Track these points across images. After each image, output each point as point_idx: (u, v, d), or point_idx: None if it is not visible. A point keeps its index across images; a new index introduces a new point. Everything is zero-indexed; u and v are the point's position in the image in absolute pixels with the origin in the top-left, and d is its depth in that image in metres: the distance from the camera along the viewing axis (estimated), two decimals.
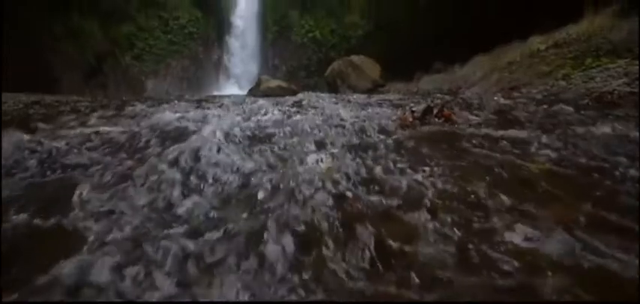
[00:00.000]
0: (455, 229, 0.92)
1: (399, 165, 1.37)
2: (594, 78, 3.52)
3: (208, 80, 12.30)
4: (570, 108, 2.59)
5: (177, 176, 1.29)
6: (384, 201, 1.10)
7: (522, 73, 4.37)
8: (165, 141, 1.75)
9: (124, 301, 0.85)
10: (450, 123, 2.36)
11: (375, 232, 0.91)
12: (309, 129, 2.03)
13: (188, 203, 1.12)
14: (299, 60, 12.16)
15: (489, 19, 6.92)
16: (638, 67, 3.35)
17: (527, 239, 0.87)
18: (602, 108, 2.66)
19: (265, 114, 2.57)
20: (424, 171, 1.29)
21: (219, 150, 1.55)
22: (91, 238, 0.89)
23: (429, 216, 0.99)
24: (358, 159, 1.44)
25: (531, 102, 3.12)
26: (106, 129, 2.05)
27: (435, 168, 1.31)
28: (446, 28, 8.21)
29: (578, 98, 3.31)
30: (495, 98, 3.72)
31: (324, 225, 0.96)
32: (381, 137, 1.80)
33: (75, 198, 1.10)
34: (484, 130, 1.91)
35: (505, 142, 1.61)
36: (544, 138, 1.66)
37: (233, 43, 12.73)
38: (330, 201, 1.09)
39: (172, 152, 1.48)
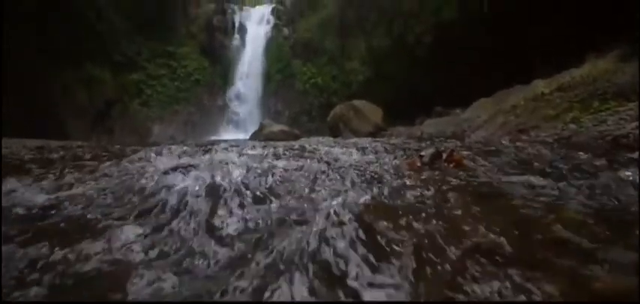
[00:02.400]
0: None
1: None
2: (605, 121, 3.42)
3: (212, 125, 12.49)
4: (587, 153, 2.45)
5: None
6: None
7: (528, 116, 4.29)
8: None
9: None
10: (461, 168, 2.21)
11: None
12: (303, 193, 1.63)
13: None
14: (301, 105, 12.41)
15: (489, 64, 7.07)
16: None
17: None
18: (620, 152, 2.52)
19: (272, 161, 2.37)
20: None
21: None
22: None
23: None
24: None
25: (543, 145, 2.99)
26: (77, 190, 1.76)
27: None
28: (445, 73, 8.42)
29: (591, 142, 3.18)
30: (504, 141, 3.60)
31: None
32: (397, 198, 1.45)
33: None
34: (502, 177, 1.75)
35: (531, 192, 1.44)
36: (570, 186, 1.49)
37: (238, 90, 13.11)
38: None
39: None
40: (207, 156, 2.55)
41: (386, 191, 1.50)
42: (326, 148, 3.14)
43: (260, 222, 1.21)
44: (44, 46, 8.68)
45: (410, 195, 1.44)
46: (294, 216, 1.23)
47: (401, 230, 1.05)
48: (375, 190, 1.51)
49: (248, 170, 1.97)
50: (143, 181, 1.68)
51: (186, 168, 1.99)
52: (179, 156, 2.64)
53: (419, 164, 2.32)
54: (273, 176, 1.87)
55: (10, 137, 4.80)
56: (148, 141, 9.88)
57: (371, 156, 2.64)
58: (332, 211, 1.14)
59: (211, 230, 1.14)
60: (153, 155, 2.70)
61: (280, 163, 2.23)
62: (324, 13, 12.81)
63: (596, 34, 4.74)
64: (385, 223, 1.10)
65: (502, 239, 0.95)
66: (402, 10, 9.65)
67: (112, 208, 1.36)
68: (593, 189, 1.45)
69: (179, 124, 12.07)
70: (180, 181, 1.61)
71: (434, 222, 1.11)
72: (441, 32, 8.56)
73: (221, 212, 1.29)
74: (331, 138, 4.92)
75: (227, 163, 2.17)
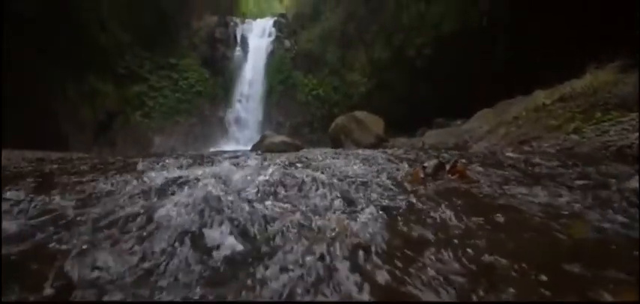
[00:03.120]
0: None
1: None
2: (608, 131, 3.41)
3: (214, 136, 12.51)
4: (592, 164, 2.44)
5: None
6: None
7: (530, 127, 4.29)
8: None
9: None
10: (465, 180, 2.19)
11: None
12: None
13: None
14: (303, 116, 12.44)
15: (489, 75, 7.11)
16: None
17: None
18: (625, 163, 2.50)
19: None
20: None
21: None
22: None
23: None
24: None
25: (546, 156, 2.98)
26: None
27: None
28: (446, 84, 8.47)
29: (595, 152, 3.18)
30: (506, 153, 3.59)
31: None
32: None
33: None
34: (512, 192, 1.72)
35: (544, 210, 1.41)
36: (582, 201, 1.47)
37: (237, 113, 13.08)
38: None
39: None
40: (203, 171, 2.49)
41: (400, 217, 1.38)
42: (329, 161, 3.12)
43: (248, 282, 0.92)
44: (47, 58, 8.78)
45: (427, 221, 1.32)
46: (296, 272, 0.95)
47: (435, 280, 0.89)
48: (388, 216, 1.38)
49: (242, 191, 1.82)
50: (128, 206, 1.54)
51: (180, 185, 1.91)
52: (176, 169, 2.57)
53: (422, 175, 2.31)
54: (271, 199, 1.71)
55: (13, 148, 4.81)
56: (149, 152, 9.89)
57: (375, 168, 2.63)
58: (344, 269, 0.94)
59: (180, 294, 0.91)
60: (149, 169, 2.64)
61: (280, 179, 2.14)
62: (325, 26, 12.98)
63: (596, 45, 4.78)
64: (415, 272, 0.93)
65: (546, 291, 0.85)
66: (403, 23, 9.77)
67: (83, 237, 1.21)
68: (607, 205, 1.42)
69: (180, 135, 12.10)
70: (166, 205, 1.44)
71: (466, 260, 0.98)
72: (441, 44, 8.65)
73: (199, 261, 1.03)
74: (333, 150, 4.91)
75: (222, 180, 2.06)
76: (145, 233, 1.21)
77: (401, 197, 1.67)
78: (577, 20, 5.91)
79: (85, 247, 1.12)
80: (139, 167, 2.83)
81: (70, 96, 9.79)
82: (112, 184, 2.04)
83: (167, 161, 3.16)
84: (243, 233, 1.23)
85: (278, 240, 1.16)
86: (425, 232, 1.21)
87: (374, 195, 1.75)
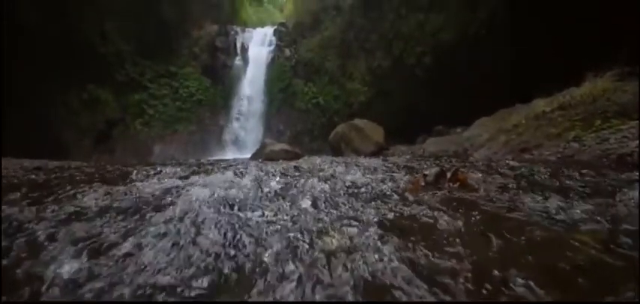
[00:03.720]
0: None
1: None
2: (608, 139, 3.41)
3: (213, 144, 12.50)
4: (594, 172, 2.43)
5: None
6: None
7: (531, 135, 4.29)
8: None
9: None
10: (466, 188, 2.18)
11: None
12: None
13: None
14: (303, 125, 12.46)
15: (489, 84, 7.15)
16: None
17: None
18: (627, 170, 2.50)
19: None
20: None
21: None
22: None
23: None
24: None
25: (547, 164, 2.97)
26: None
27: None
28: (445, 92, 8.51)
29: (595, 160, 3.17)
30: (507, 161, 3.58)
31: None
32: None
33: None
34: (518, 201, 1.70)
35: (551, 221, 1.38)
36: (589, 212, 1.45)
37: (239, 109, 13.11)
38: None
39: None
40: (201, 181, 2.43)
41: (413, 239, 1.23)
42: (329, 169, 3.11)
43: None
44: (47, 66, 8.81)
45: (444, 243, 1.20)
46: None
47: None
48: (399, 236, 1.25)
49: (238, 209, 1.68)
50: (110, 227, 1.44)
51: (172, 201, 1.85)
52: (172, 180, 2.54)
53: (423, 183, 2.30)
54: (271, 215, 1.60)
55: (13, 156, 4.79)
56: (148, 161, 9.85)
57: (376, 177, 2.61)
58: None
59: None
60: (144, 180, 2.61)
61: (280, 192, 2.08)
62: (325, 35, 13.08)
63: (594, 54, 4.81)
64: None
65: None
66: (402, 32, 9.85)
67: (42, 269, 1.09)
68: (625, 220, 1.39)
69: (180, 144, 12.09)
70: (150, 230, 1.35)
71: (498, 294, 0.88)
72: (441, 53, 8.71)
73: None
74: (333, 158, 4.90)
75: (219, 193, 2.01)
76: (115, 270, 1.05)
77: (407, 210, 1.61)
78: (575, 29, 5.96)
79: (35, 283, 0.99)
80: (135, 177, 2.80)
81: (70, 103, 9.81)
82: (102, 198, 1.94)
83: (165, 170, 3.13)
84: (235, 268, 1.08)
85: (273, 280, 0.99)
86: (447, 260, 1.06)
87: (378, 209, 1.69)
